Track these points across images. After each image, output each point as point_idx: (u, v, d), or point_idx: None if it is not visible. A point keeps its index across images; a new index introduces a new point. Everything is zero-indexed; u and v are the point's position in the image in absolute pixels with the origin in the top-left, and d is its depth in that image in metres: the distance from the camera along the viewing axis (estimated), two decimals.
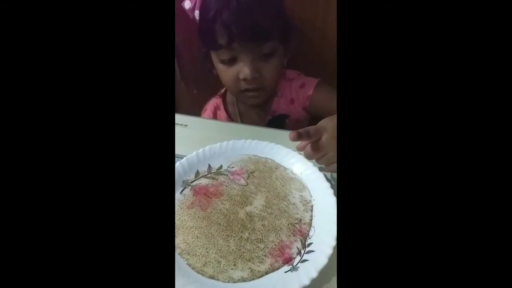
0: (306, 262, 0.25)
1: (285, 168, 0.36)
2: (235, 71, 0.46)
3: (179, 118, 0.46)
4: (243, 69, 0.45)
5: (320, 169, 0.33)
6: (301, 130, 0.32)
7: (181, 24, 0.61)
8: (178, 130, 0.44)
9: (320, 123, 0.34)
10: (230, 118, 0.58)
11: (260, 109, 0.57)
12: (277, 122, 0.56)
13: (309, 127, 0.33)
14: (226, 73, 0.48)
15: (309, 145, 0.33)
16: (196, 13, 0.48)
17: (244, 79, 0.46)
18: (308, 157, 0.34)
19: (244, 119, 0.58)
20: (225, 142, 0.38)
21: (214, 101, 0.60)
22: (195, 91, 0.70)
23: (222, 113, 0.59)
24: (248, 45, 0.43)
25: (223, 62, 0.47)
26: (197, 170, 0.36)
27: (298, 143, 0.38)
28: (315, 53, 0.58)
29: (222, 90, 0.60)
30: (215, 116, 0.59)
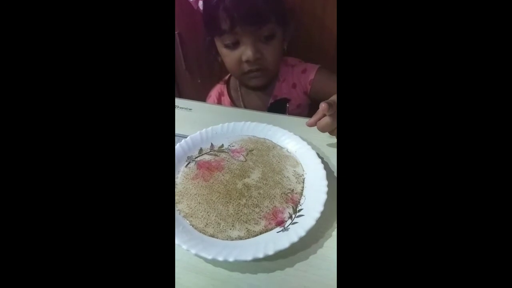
0: (296, 224, 0.29)
1: (281, 147, 0.39)
2: (238, 54, 0.50)
3: (184, 102, 0.49)
4: (246, 51, 0.48)
5: (313, 148, 0.36)
6: (328, 100, 0.33)
7: (186, 16, 0.64)
8: (183, 113, 0.47)
9: (332, 98, 0.36)
10: (234, 103, 0.61)
11: (262, 93, 0.59)
12: (279, 106, 0.58)
13: (330, 99, 0.34)
14: (230, 56, 0.51)
15: (327, 117, 0.34)
16: (200, 3, 0.51)
17: (247, 61, 0.49)
18: (325, 128, 0.35)
19: (246, 104, 0.61)
20: (226, 123, 0.41)
21: (219, 87, 0.63)
22: (199, 80, 0.73)
23: (226, 98, 0.62)
24: (249, 28, 0.46)
25: (227, 46, 0.50)
26: (201, 148, 0.39)
27: (296, 124, 0.41)
28: (315, 41, 0.60)
29: (226, 77, 0.63)
30: (219, 102, 0.62)
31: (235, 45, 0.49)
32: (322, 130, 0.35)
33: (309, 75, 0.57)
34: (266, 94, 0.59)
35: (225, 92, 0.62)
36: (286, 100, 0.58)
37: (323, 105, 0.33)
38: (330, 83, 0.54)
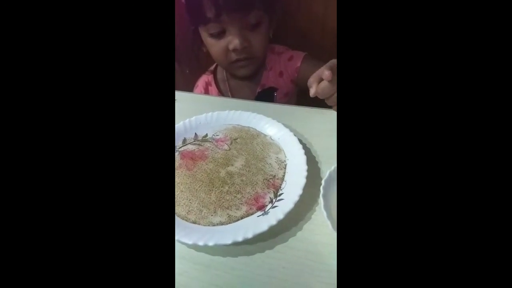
0: (276, 207, 0.29)
1: (265, 135, 0.39)
2: (225, 43, 0.49)
3: None
4: (233, 40, 0.47)
5: (295, 134, 0.37)
6: (331, 65, 0.33)
7: None
8: None
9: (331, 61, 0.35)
10: (221, 93, 0.61)
11: (250, 83, 0.59)
12: (266, 95, 0.58)
13: (330, 63, 0.34)
14: (215, 46, 0.50)
15: (325, 81, 0.33)
16: None
17: (234, 50, 0.48)
18: (324, 92, 0.34)
19: (234, 93, 0.60)
20: (210, 113, 0.41)
21: (205, 77, 0.63)
22: (187, 71, 0.73)
23: (213, 88, 0.61)
24: (235, 15, 0.45)
25: (212, 36, 0.49)
26: (184, 138, 0.39)
27: (280, 112, 0.41)
28: (301, 28, 0.59)
29: (212, 67, 0.63)
30: (206, 92, 0.62)
31: (220, 34, 0.48)
32: (322, 95, 0.34)
33: (295, 63, 0.56)
34: (254, 83, 0.59)
35: (212, 82, 0.61)
36: (274, 89, 0.58)
37: (326, 73, 0.32)
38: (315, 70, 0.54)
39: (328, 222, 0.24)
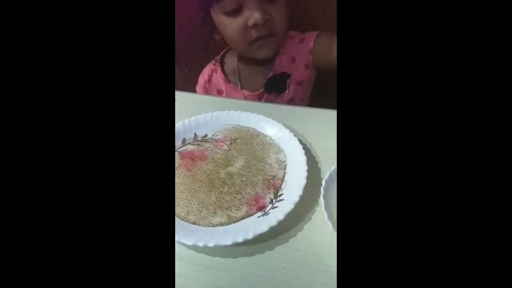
0: (276, 208, 0.29)
1: (264, 135, 0.39)
2: (243, 20, 0.44)
3: None
4: (252, 14, 0.42)
5: (295, 134, 0.37)
6: None
7: None
8: None
9: None
10: (227, 79, 0.56)
11: (263, 68, 0.53)
12: (278, 82, 0.52)
13: None
14: (232, 25, 0.45)
15: None
16: None
17: (255, 25, 0.44)
18: None
19: (243, 80, 0.55)
20: (209, 113, 0.41)
21: (211, 66, 0.59)
22: (186, 71, 0.73)
23: (218, 74, 0.57)
24: None
25: (227, 14, 0.45)
26: (184, 138, 0.39)
27: (280, 112, 0.39)
28: (313, 8, 0.54)
29: (218, 57, 0.59)
30: (210, 79, 0.59)
31: (237, 11, 0.44)
32: None
33: (307, 44, 0.50)
34: (267, 69, 0.53)
35: (218, 69, 0.58)
36: (286, 75, 0.52)
37: None
38: (332, 47, 0.46)
39: (329, 223, 0.24)
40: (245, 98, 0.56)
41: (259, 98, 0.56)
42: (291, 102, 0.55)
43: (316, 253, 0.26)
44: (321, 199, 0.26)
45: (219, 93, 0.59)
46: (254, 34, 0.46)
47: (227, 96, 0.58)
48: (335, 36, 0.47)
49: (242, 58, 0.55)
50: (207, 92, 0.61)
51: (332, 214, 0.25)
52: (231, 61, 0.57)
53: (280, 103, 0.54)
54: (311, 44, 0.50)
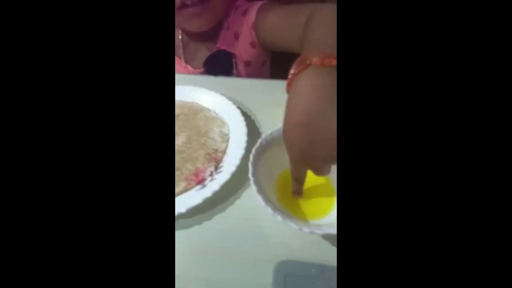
0: (214, 180, 0.29)
1: (208, 110, 0.38)
2: None
3: None
4: None
5: (238, 106, 0.36)
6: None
7: None
8: None
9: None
10: None
11: (209, 43, 0.46)
12: (220, 61, 0.45)
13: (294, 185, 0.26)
14: None
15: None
16: None
17: None
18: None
19: (188, 56, 0.47)
20: None
21: None
22: None
23: None
24: None
25: None
26: None
27: (222, 84, 0.38)
28: None
29: None
30: None
31: None
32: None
33: (250, 18, 0.41)
34: (213, 44, 0.46)
35: None
36: (229, 54, 0.45)
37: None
38: (278, 21, 0.38)
39: (254, 187, 0.24)
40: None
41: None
42: None
43: (251, 217, 0.27)
44: (249, 166, 0.26)
45: None
46: None
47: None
48: (284, 9, 0.40)
49: (185, 30, 0.48)
50: None
51: (260, 179, 0.26)
52: (176, 33, 0.50)
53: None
54: (253, 19, 0.41)
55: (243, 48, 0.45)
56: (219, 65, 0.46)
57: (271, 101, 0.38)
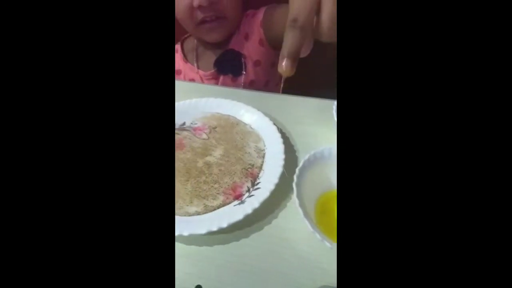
0: (252, 196, 0.29)
1: (244, 124, 0.38)
2: (189, 0, 0.41)
3: None
4: None
5: (275, 123, 0.36)
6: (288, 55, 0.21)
7: None
8: None
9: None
10: (185, 58, 0.54)
11: (218, 49, 0.50)
12: (230, 61, 0.48)
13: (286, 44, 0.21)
14: (180, 3, 0.43)
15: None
16: None
17: (199, 6, 0.41)
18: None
19: (200, 64, 0.52)
20: (187, 100, 0.40)
21: (176, 46, 0.57)
22: None
23: (179, 55, 0.55)
24: None
25: None
26: None
27: (259, 99, 0.39)
28: None
29: (184, 37, 0.57)
30: None
31: None
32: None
33: (258, 17, 0.46)
34: (221, 48, 0.50)
35: (179, 49, 0.55)
36: (238, 54, 0.48)
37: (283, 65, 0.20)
38: (284, 17, 0.44)
39: (300, 210, 0.24)
40: (201, 79, 0.54)
41: (215, 79, 0.53)
42: (252, 84, 0.51)
43: (288, 239, 0.27)
44: (294, 187, 0.26)
45: (177, 73, 0.56)
46: (200, 15, 0.43)
47: (185, 76, 0.55)
48: (286, 6, 0.42)
49: (200, 39, 0.52)
50: None
51: (304, 201, 0.25)
52: (191, 41, 0.55)
53: (240, 84, 0.51)
54: (261, 17, 0.47)
55: (252, 47, 0.48)
56: (228, 65, 0.49)
57: (306, 118, 0.39)
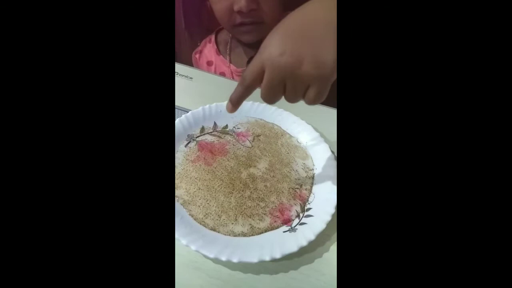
0: (305, 225, 0.27)
1: (290, 136, 0.36)
2: (229, 2, 0.41)
3: (183, 69, 0.43)
4: (239, 0, 0.40)
5: (326, 140, 0.34)
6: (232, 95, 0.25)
7: None
8: (182, 82, 0.42)
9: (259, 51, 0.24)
10: (218, 51, 0.54)
11: (252, 50, 0.51)
12: None
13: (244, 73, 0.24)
14: (219, 4, 0.43)
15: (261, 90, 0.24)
16: None
17: (239, 12, 0.41)
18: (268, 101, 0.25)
19: (233, 59, 0.53)
20: None
21: (210, 36, 0.56)
22: (199, 43, 0.66)
23: (212, 45, 0.54)
24: None
25: None
26: (203, 126, 0.35)
27: (310, 112, 0.36)
28: None
29: (218, 28, 0.56)
30: (202, 49, 0.55)
31: None
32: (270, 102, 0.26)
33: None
34: (255, 51, 0.51)
35: (213, 40, 0.54)
36: None
37: (227, 108, 0.26)
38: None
39: None
40: (232, 74, 0.53)
41: None
42: None
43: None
44: None
45: (209, 64, 0.55)
46: (238, 18, 0.43)
47: (216, 69, 0.55)
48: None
49: (233, 35, 0.52)
50: (196, 62, 0.57)
51: None
52: (225, 34, 0.54)
53: None
54: None
55: None
56: None
57: None
